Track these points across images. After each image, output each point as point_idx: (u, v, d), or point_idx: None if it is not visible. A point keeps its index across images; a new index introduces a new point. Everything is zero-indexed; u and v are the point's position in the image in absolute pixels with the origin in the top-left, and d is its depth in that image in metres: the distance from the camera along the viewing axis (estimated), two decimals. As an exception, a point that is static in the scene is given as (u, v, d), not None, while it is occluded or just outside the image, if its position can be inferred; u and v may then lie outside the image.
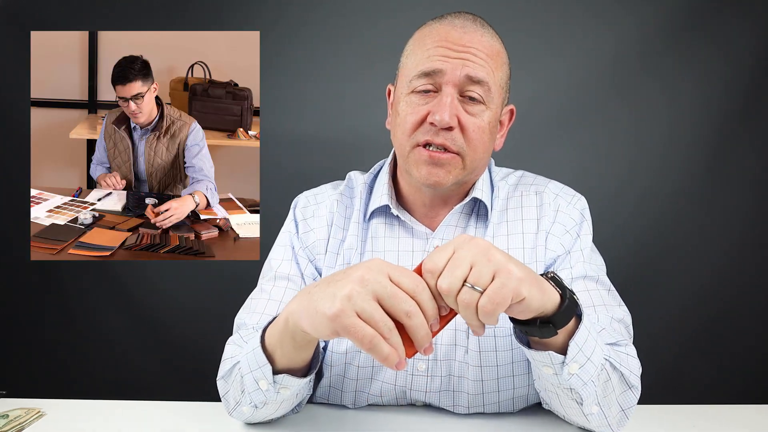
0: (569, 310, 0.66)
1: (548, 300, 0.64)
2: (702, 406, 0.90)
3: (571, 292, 0.68)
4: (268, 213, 1.54)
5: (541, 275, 0.67)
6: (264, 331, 0.73)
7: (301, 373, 0.75)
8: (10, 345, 1.62)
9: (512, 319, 0.68)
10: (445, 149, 0.84)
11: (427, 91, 0.84)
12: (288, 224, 0.99)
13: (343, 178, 1.03)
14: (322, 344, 0.93)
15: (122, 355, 1.64)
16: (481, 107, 0.84)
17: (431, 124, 0.83)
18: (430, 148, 0.84)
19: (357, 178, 1.00)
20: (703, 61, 1.53)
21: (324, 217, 0.96)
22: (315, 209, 0.98)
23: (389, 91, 0.96)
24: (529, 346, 0.72)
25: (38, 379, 1.60)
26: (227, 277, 1.56)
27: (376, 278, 0.59)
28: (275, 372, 0.72)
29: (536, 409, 0.90)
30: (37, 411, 0.87)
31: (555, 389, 0.74)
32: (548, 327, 0.65)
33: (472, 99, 0.84)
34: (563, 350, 0.69)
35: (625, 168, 1.57)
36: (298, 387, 0.75)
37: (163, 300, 1.64)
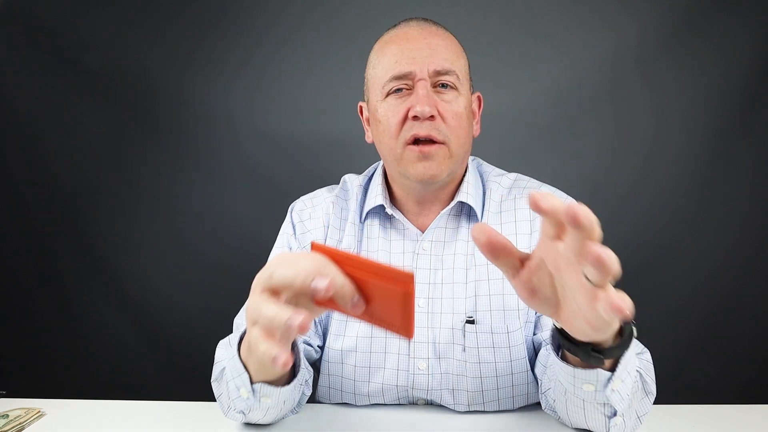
0: (625, 344, 0.61)
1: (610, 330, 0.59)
2: (702, 406, 0.89)
3: (633, 323, 0.61)
4: (268, 213, 1.54)
5: None
6: (241, 338, 0.70)
7: (281, 382, 0.72)
8: (10, 345, 1.62)
9: (557, 337, 0.63)
10: (432, 140, 0.86)
11: (400, 90, 0.88)
12: (285, 227, 1.01)
13: (341, 179, 1.04)
14: (319, 342, 0.93)
15: (122, 355, 1.64)
16: (454, 93, 0.88)
17: (414, 118, 0.85)
18: (419, 143, 0.86)
19: (352, 181, 1.02)
20: (702, 61, 1.54)
21: (320, 219, 0.98)
22: (311, 211, 1.00)
23: (361, 108, 0.99)
24: (563, 358, 0.66)
25: (38, 379, 1.60)
26: (227, 277, 1.57)
27: (252, 307, 0.55)
28: (254, 381, 0.69)
29: (536, 407, 0.90)
30: (37, 411, 0.87)
31: (584, 404, 0.70)
32: (598, 357, 0.60)
33: (444, 86, 0.88)
34: (610, 367, 0.64)
35: (625, 168, 1.57)
36: (279, 396, 0.72)
37: (163, 300, 1.64)
